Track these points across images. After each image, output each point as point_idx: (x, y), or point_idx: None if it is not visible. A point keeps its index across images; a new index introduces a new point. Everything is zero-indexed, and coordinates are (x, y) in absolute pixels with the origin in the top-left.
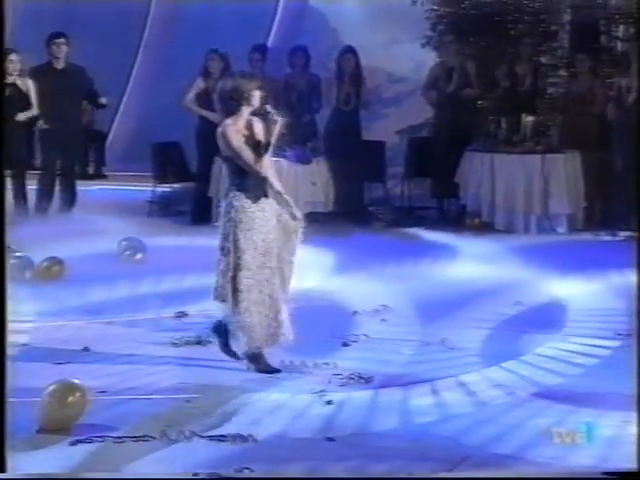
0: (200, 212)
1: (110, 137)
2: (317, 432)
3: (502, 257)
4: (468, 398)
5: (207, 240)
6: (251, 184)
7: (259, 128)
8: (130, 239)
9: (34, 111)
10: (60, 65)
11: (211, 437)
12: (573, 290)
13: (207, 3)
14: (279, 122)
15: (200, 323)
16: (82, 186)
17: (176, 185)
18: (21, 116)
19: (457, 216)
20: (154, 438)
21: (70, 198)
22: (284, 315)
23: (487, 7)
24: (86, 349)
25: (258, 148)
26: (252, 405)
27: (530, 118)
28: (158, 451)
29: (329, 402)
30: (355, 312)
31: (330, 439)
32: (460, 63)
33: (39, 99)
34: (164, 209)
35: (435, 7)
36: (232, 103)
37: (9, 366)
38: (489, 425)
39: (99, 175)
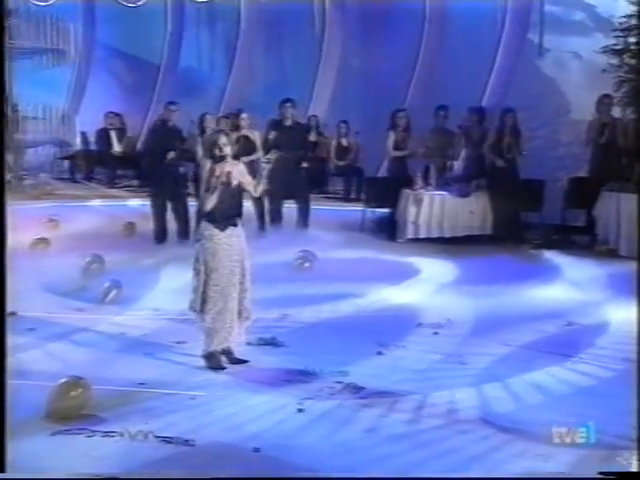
0: (389, 231)
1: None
2: (266, 439)
3: (597, 281)
4: (407, 416)
5: (379, 254)
6: (219, 216)
7: (221, 171)
8: (305, 251)
9: (259, 154)
10: (288, 122)
11: (162, 438)
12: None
13: None
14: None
15: (286, 326)
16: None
17: (379, 209)
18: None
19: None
20: (119, 434)
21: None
22: (235, 324)
23: None
24: (180, 342)
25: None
26: (222, 408)
27: None
28: (103, 448)
29: (300, 410)
30: (420, 324)
31: (256, 449)
32: (613, 120)
33: (269, 146)
34: (373, 227)
35: (620, 74)
36: (209, 151)
37: None
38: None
39: (358, 199)
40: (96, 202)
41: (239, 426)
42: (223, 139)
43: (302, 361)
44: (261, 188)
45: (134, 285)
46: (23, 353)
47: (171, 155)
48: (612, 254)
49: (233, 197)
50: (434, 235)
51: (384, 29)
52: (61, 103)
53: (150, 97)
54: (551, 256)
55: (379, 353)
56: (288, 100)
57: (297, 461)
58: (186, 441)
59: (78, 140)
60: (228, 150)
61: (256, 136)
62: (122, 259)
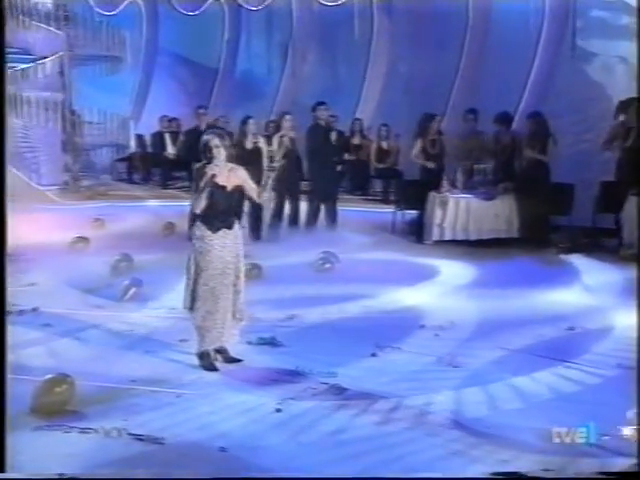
0: (418, 233)
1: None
2: (237, 438)
3: (614, 286)
4: (382, 418)
5: (403, 256)
6: (212, 217)
7: (210, 174)
8: (327, 252)
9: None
10: (321, 125)
11: (134, 436)
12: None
13: None
14: (238, 170)
15: (291, 327)
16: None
17: (410, 211)
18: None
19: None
20: (94, 431)
21: (332, 217)
22: (228, 324)
23: None
24: (183, 340)
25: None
26: (203, 406)
27: None
28: (75, 445)
29: (278, 410)
30: (422, 326)
31: (222, 449)
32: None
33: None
34: (404, 229)
35: None
36: (202, 153)
37: None
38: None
39: (388, 201)
40: (150, 202)
41: (215, 425)
42: (215, 140)
43: (295, 361)
44: (265, 195)
45: (156, 284)
46: (32, 348)
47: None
48: (636, 258)
49: (228, 199)
50: (459, 238)
51: (429, 34)
52: (119, 107)
53: (208, 101)
54: (575, 260)
55: (373, 355)
56: (321, 103)
57: (260, 461)
58: (156, 439)
59: (133, 143)
60: (220, 152)
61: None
62: (152, 258)
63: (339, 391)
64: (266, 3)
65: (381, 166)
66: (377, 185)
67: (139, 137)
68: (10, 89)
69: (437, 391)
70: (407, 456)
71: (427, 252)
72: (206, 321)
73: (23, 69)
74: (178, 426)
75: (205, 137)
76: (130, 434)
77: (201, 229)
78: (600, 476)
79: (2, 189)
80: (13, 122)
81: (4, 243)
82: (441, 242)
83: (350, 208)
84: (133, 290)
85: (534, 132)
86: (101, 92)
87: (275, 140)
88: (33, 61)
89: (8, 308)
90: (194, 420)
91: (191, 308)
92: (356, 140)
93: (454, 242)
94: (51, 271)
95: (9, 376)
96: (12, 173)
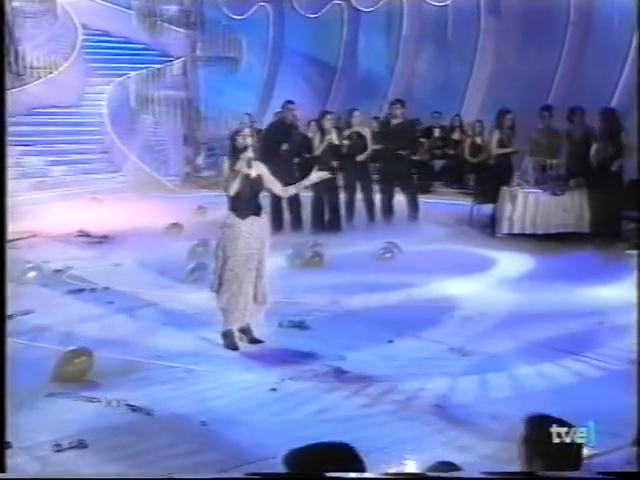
0: (491, 226)
1: None
2: (223, 413)
3: None
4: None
5: (470, 248)
6: (240, 206)
7: (240, 163)
8: (389, 242)
9: (368, 151)
10: (396, 121)
11: (130, 406)
12: None
13: None
14: (260, 165)
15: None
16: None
17: (486, 204)
18: (360, 157)
19: None
20: (98, 400)
21: (413, 209)
22: (250, 305)
23: None
24: None
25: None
26: (207, 382)
27: None
28: (76, 411)
29: (273, 389)
30: (452, 315)
31: (203, 423)
32: None
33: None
34: (482, 222)
35: None
36: (233, 140)
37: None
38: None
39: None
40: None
41: (208, 400)
42: (246, 130)
43: (314, 344)
44: (292, 191)
45: None
46: (88, 322)
47: (284, 147)
48: None
49: (252, 187)
50: (527, 231)
51: (533, 33)
52: (237, 104)
53: (326, 97)
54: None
55: (390, 341)
56: (397, 101)
57: (234, 437)
58: (148, 411)
59: None
60: (250, 141)
61: (367, 132)
62: None
63: (339, 374)
64: (379, 5)
65: (474, 161)
66: (472, 179)
67: (257, 132)
68: (140, 88)
69: (435, 377)
70: (377, 437)
71: (494, 245)
72: (230, 303)
73: (152, 70)
74: (175, 399)
75: (238, 127)
76: (127, 405)
77: (231, 217)
78: (600, 476)
79: (2, 185)
80: (143, 118)
81: (4, 241)
82: (511, 235)
83: (442, 201)
84: (197, 273)
85: (606, 128)
86: (221, 90)
87: (339, 135)
88: (163, 62)
89: (83, 286)
90: (192, 394)
91: (217, 291)
92: (455, 136)
93: (524, 235)
94: (137, 253)
95: (44, 345)
96: (136, 164)
